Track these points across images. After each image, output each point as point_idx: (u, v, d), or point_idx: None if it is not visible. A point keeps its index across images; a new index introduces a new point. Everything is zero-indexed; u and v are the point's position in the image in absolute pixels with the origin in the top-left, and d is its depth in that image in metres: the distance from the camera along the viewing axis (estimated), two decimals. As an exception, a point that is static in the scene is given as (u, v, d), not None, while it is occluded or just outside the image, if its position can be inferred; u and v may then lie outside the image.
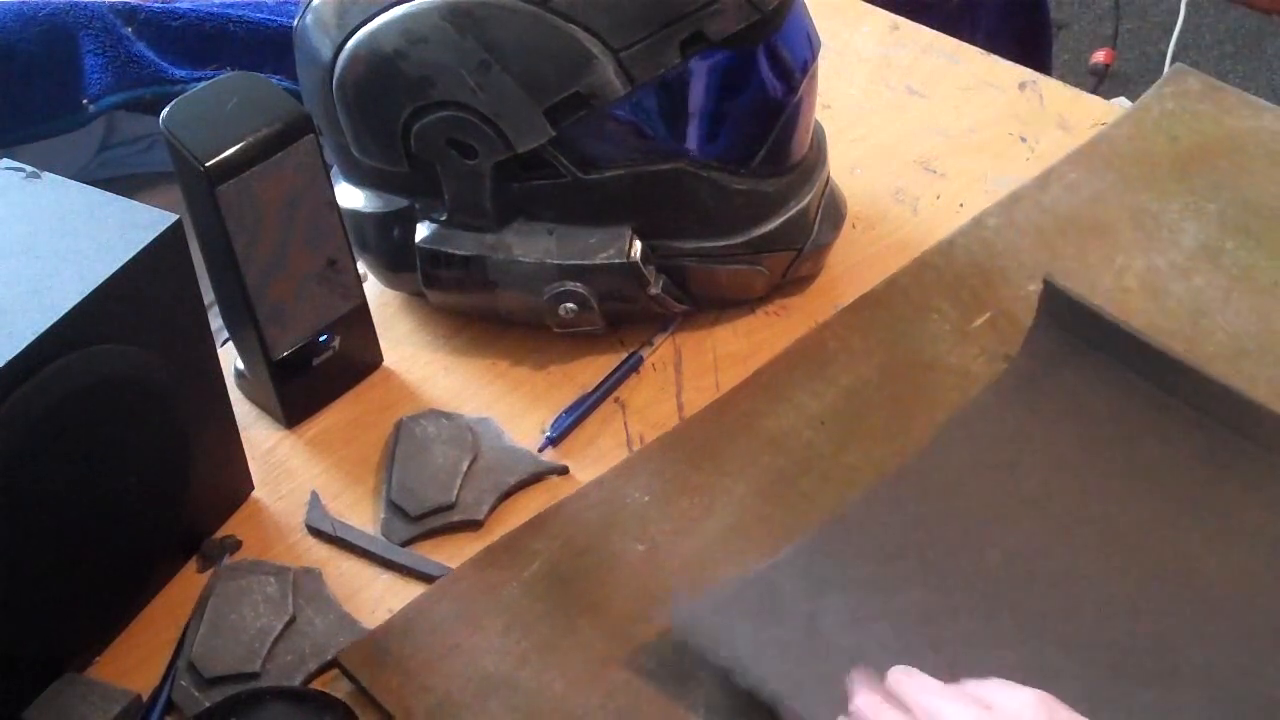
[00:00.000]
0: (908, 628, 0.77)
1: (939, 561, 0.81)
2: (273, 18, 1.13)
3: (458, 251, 0.93)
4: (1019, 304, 0.96)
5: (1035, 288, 0.95)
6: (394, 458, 0.90)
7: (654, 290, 0.93)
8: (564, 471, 0.90)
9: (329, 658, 0.80)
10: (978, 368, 0.93)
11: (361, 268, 0.95)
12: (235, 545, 0.87)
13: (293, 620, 0.81)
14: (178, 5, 1.12)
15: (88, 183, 0.79)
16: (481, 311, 0.98)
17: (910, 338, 0.95)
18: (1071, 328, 0.91)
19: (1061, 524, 0.83)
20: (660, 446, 0.90)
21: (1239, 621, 0.78)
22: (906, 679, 0.69)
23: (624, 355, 0.97)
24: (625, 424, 0.93)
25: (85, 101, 1.05)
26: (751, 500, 0.87)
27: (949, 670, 0.72)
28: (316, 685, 0.80)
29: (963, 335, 0.95)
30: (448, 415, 0.92)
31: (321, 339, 0.92)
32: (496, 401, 0.95)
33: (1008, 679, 0.69)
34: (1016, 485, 0.86)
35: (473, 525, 0.87)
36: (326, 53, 0.90)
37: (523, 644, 0.80)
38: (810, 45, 0.93)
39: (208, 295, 0.85)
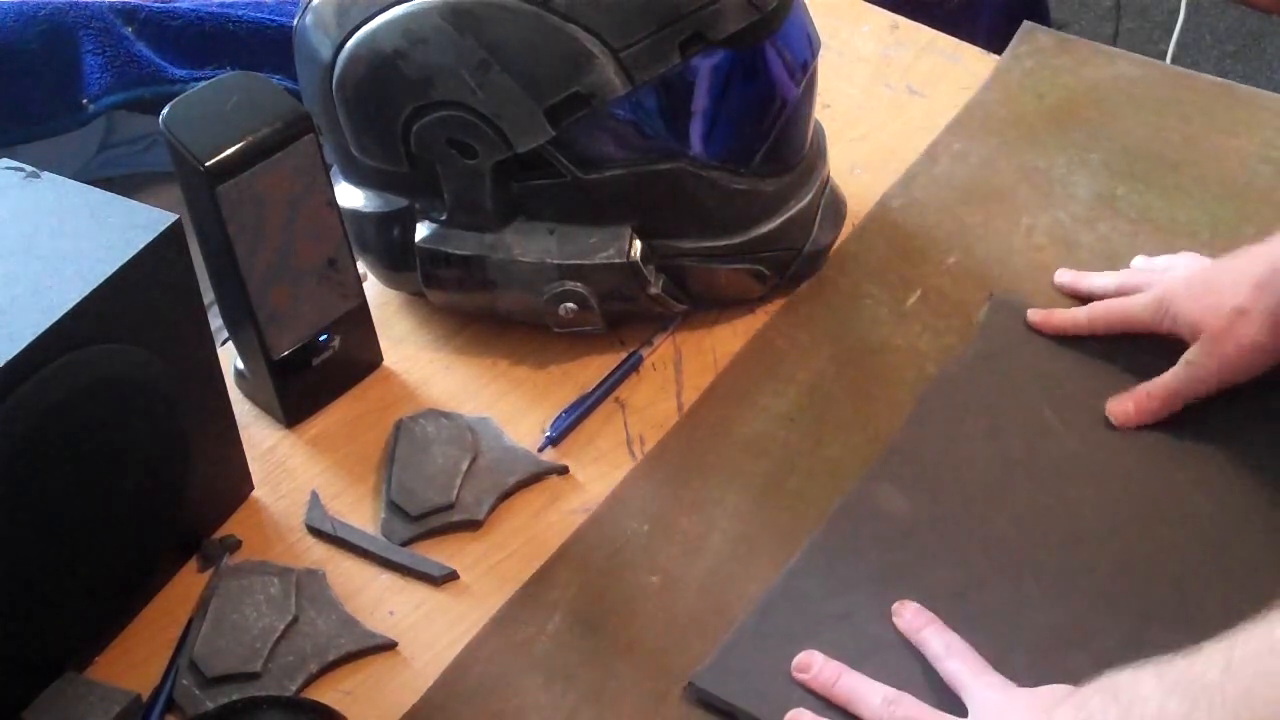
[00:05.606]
0: (940, 608, 0.79)
1: (952, 536, 0.83)
2: (273, 18, 1.13)
3: (458, 251, 0.93)
4: (944, 278, 0.99)
5: (954, 260, 1.00)
6: (394, 457, 0.90)
7: (654, 290, 0.93)
8: (564, 471, 0.90)
9: (330, 659, 0.80)
10: (924, 344, 0.96)
11: (361, 268, 0.95)
12: (235, 545, 0.87)
13: (295, 621, 0.81)
14: (178, 5, 1.12)
15: (88, 183, 0.79)
16: (481, 311, 0.98)
17: (852, 325, 0.97)
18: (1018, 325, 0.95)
19: (1053, 482, 0.86)
20: (643, 472, 0.90)
21: (1240, 551, 0.82)
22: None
23: (624, 355, 0.97)
24: (625, 424, 0.93)
25: (85, 101, 1.05)
26: (747, 508, 0.87)
27: (989, 644, 0.75)
28: (317, 686, 0.80)
29: (901, 316, 0.98)
30: (447, 415, 0.92)
31: (321, 339, 0.92)
32: (496, 401, 0.95)
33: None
34: (1001, 449, 0.88)
35: (472, 525, 0.87)
36: (326, 52, 0.90)
37: (568, 697, 0.78)
38: (810, 45, 0.93)
39: (208, 295, 0.85)
